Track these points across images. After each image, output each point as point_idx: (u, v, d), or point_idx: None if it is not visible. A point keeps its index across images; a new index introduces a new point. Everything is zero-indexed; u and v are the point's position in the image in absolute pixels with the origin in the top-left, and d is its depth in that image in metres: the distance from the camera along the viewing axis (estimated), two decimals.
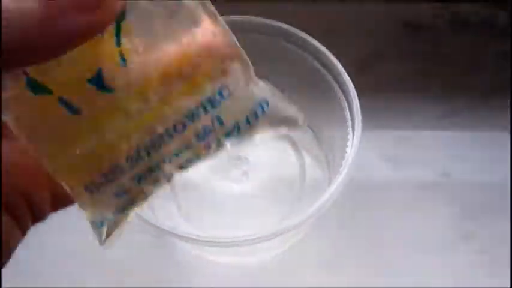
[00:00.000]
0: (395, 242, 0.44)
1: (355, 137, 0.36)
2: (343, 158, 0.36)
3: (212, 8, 0.20)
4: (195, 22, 0.20)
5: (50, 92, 0.19)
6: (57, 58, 0.18)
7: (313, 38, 0.38)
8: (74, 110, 0.20)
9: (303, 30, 0.38)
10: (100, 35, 0.19)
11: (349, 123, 0.37)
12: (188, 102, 0.21)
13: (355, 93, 0.36)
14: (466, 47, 0.52)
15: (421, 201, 0.46)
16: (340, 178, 0.34)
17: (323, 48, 0.38)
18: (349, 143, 0.37)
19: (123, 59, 0.20)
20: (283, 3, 0.50)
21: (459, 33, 0.52)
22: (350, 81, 0.37)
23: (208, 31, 0.20)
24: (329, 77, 0.38)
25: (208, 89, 0.21)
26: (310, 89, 0.40)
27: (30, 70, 0.19)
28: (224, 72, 0.21)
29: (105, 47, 0.19)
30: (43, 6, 0.16)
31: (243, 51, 0.21)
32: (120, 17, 0.19)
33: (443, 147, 0.48)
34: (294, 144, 0.46)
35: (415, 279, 0.43)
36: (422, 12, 0.53)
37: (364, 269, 0.44)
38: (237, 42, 0.21)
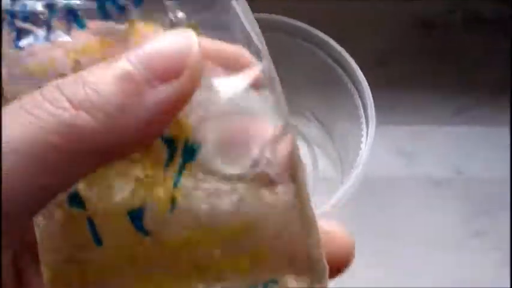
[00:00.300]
0: (407, 238, 0.44)
1: (369, 134, 0.36)
2: (356, 154, 0.36)
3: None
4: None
5: (83, 208, 0.17)
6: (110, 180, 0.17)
7: (328, 36, 0.38)
8: (97, 239, 0.17)
9: (317, 28, 0.38)
10: (165, 166, 0.17)
11: (363, 119, 0.38)
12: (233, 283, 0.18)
13: (369, 91, 0.37)
14: (479, 44, 0.51)
15: (433, 197, 0.46)
16: (354, 175, 0.35)
17: (337, 46, 0.38)
18: (363, 139, 0.37)
19: (173, 203, 0.17)
20: (298, 2, 0.50)
21: (472, 30, 0.52)
22: (364, 79, 0.37)
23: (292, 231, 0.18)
24: (343, 75, 0.38)
25: (258, 279, 0.18)
26: (324, 85, 0.40)
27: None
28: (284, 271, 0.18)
29: (159, 183, 0.17)
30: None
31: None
32: (187, 156, 0.17)
33: (456, 144, 0.48)
34: (307, 141, 0.46)
35: (426, 274, 0.43)
36: (436, 9, 0.53)
37: (375, 264, 0.44)
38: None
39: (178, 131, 0.17)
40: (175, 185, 0.17)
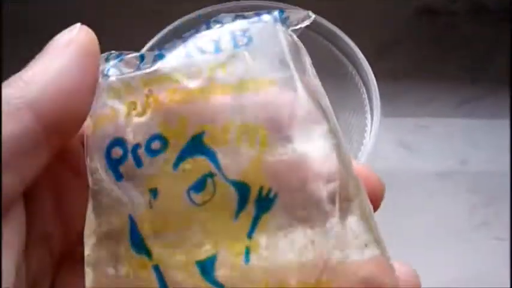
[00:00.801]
0: (411, 229, 0.44)
1: (373, 125, 0.36)
2: (361, 144, 0.36)
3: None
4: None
5: (149, 256, 0.17)
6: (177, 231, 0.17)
7: (332, 24, 0.38)
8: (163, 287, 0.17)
9: (322, 16, 0.38)
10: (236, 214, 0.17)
11: (367, 108, 0.37)
12: None
13: (375, 82, 0.36)
14: (484, 33, 0.51)
15: (437, 189, 0.46)
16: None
17: (342, 34, 0.37)
18: (367, 129, 0.37)
19: (247, 254, 0.17)
20: None
21: (477, 19, 0.52)
22: (370, 70, 0.36)
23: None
24: (348, 65, 0.38)
25: None
26: (328, 75, 0.40)
27: (140, 224, 0.17)
28: None
29: (232, 230, 0.17)
30: None
31: None
32: (263, 206, 0.17)
33: (461, 135, 0.48)
34: None
35: (430, 266, 0.43)
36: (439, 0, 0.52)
37: None
38: None
39: (249, 175, 0.17)
40: (249, 235, 0.17)
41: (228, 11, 0.36)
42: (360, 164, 0.20)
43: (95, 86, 0.18)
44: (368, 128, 0.37)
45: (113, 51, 0.19)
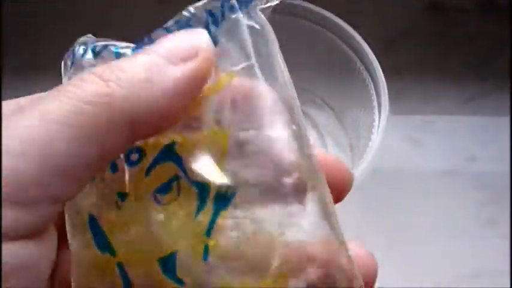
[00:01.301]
0: (418, 226, 0.44)
1: (381, 122, 0.35)
2: (369, 140, 0.36)
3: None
4: None
5: (113, 254, 0.18)
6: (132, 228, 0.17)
7: (339, 19, 0.37)
8: (127, 283, 0.17)
9: (329, 11, 0.37)
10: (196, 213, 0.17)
11: (375, 104, 0.37)
12: None
13: (383, 78, 0.36)
14: (492, 29, 0.51)
15: (445, 186, 0.46)
16: (366, 162, 0.34)
17: (351, 30, 0.37)
18: (375, 124, 0.36)
19: (206, 252, 0.17)
20: None
21: (485, 15, 0.51)
22: (378, 65, 0.36)
23: None
24: (356, 60, 0.38)
25: None
26: (336, 71, 0.39)
27: (105, 224, 0.18)
28: None
29: (191, 228, 0.17)
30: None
31: None
32: (221, 204, 0.17)
33: (468, 132, 0.47)
34: (316, 127, 0.46)
35: (437, 263, 0.43)
36: None
37: (386, 253, 0.43)
38: None
39: (209, 176, 0.17)
40: (208, 233, 0.17)
41: None
42: (327, 154, 0.21)
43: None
44: (376, 124, 0.36)
45: (90, 36, 0.19)
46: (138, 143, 0.18)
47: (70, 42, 0.20)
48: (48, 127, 0.15)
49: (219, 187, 0.17)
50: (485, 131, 0.48)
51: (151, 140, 0.18)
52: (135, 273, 0.17)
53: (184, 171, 0.18)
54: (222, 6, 0.18)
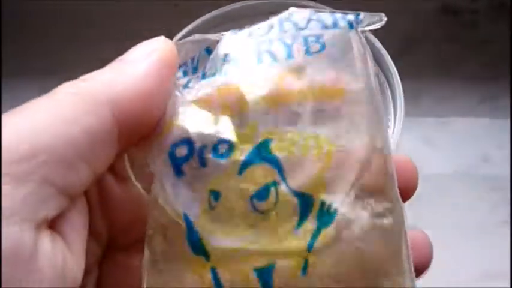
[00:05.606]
0: (433, 227, 0.44)
1: (396, 124, 0.35)
2: None
3: None
4: None
5: (207, 258, 0.17)
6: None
7: None
8: None
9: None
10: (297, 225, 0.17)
11: (391, 108, 0.37)
12: None
13: (399, 79, 0.36)
14: (505, 31, 0.51)
15: (459, 186, 0.46)
16: None
17: (368, 34, 0.37)
18: (390, 124, 0.36)
19: (305, 268, 0.17)
20: None
21: (498, 17, 0.51)
22: (394, 67, 0.36)
23: None
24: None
25: None
26: None
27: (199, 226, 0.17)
28: None
29: (291, 242, 0.17)
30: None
31: None
32: (324, 220, 0.17)
33: (482, 133, 0.48)
34: None
35: (452, 264, 0.43)
36: None
37: None
38: None
39: (313, 188, 0.17)
40: (308, 249, 0.17)
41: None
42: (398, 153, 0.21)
43: (170, 94, 0.18)
44: (391, 127, 0.36)
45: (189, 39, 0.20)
46: (227, 134, 0.18)
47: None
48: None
49: (323, 201, 0.17)
50: (500, 132, 0.48)
51: (241, 130, 0.18)
52: (229, 281, 0.17)
53: (283, 176, 0.17)
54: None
